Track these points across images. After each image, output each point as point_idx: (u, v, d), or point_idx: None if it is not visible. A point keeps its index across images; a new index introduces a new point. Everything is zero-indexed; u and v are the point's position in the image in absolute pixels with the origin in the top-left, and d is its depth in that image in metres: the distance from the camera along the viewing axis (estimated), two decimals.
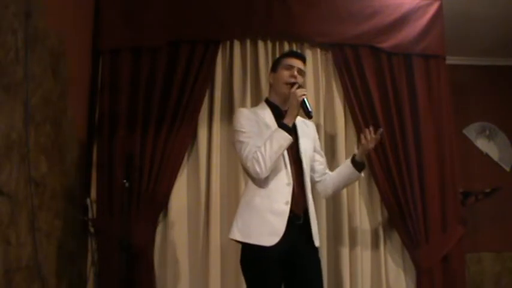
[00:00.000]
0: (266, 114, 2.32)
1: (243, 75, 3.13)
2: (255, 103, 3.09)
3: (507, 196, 4.22)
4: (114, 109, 2.95)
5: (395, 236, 3.07)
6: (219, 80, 3.10)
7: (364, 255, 3.03)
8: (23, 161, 2.05)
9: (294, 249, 2.16)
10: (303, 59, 2.41)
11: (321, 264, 2.28)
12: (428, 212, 3.03)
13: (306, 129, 2.43)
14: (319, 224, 2.45)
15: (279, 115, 2.30)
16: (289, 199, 2.16)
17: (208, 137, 3.04)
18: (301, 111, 2.24)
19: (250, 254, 2.18)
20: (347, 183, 2.50)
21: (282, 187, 2.18)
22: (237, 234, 2.20)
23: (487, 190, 3.99)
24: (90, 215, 2.86)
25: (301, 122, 2.42)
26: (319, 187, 2.48)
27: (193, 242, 2.94)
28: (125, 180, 2.61)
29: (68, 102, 2.62)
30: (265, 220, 2.14)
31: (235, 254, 2.89)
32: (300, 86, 2.26)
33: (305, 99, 2.19)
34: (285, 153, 2.23)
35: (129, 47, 3.04)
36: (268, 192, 2.18)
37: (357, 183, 3.08)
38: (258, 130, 2.25)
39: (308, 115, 2.21)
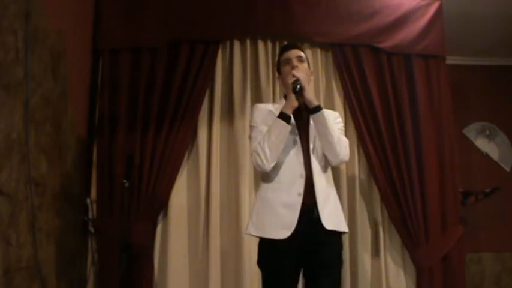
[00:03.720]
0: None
1: (243, 75, 3.13)
2: (255, 103, 3.09)
3: (507, 196, 4.23)
4: (114, 109, 2.95)
5: (396, 236, 3.07)
6: (219, 80, 3.10)
7: (364, 255, 3.03)
8: (23, 161, 2.05)
9: (310, 242, 2.12)
10: (296, 47, 2.39)
11: (339, 254, 2.20)
12: (428, 212, 3.03)
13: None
14: None
15: (295, 109, 2.27)
16: (302, 191, 2.13)
17: (208, 137, 3.04)
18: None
19: (265, 248, 2.18)
20: (321, 134, 2.21)
21: (294, 179, 2.16)
22: (252, 229, 2.20)
23: (487, 190, 3.99)
24: (90, 215, 2.86)
25: None
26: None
27: (193, 242, 2.94)
28: (124, 180, 2.61)
29: (68, 102, 2.62)
30: (277, 214, 2.13)
31: (235, 254, 2.90)
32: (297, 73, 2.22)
33: (297, 82, 2.16)
34: (298, 143, 2.21)
35: (129, 47, 3.04)
36: (280, 185, 2.17)
37: (357, 183, 3.09)
38: (269, 123, 2.23)
39: (294, 91, 2.16)
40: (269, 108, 2.33)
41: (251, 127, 2.31)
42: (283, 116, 2.15)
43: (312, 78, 2.41)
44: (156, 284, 2.85)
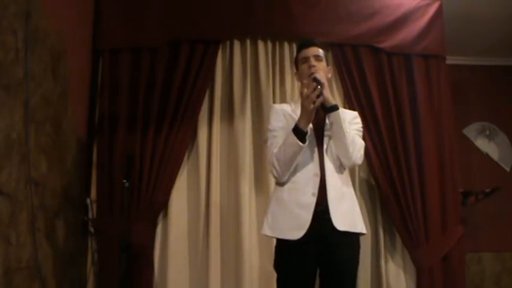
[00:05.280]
0: (299, 108, 2.26)
1: (243, 75, 3.13)
2: (255, 103, 3.11)
3: (507, 196, 4.22)
4: (114, 109, 2.95)
5: (396, 236, 3.07)
6: (219, 80, 3.10)
7: (365, 255, 3.02)
8: (23, 161, 2.05)
9: (324, 242, 2.10)
10: (315, 44, 2.33)
11: (354, 255, 2.18)
12: (428, 212, 3.03)
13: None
14: None
15: None
16: (316, 191, 2.12)
17: (208, 137, 3.04)
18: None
19: (280, 250, 2.19)
20: (336, 134, 2.20)
21: (309, 178, 2.15)
22: (267, 230, 2.20)
23: (487, 190, 3.99)
24: (90, 215, 2.86)
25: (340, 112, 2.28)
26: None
27: (193, 242, 2.94)
28: (124, 180, 2.61)
29: (68, 102, 2.62)
30: (291, 214, 2.13)
31: (235, 254, 2.90)
32: (314, 75, 2.17)
33: (316, 76, 2.13)
34: (313, 143, 2.20)
35: (129, 47, 3.04)
36: (295, 185, 2.17)
37: (357, 183, 3.08)
38: (285, 125, 2.24)
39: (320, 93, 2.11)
40: (286, 109, 2.31)
41: (267, 129, 2.32)
42: (299, 133, 2.10)
43: (330, 75, 2.38)
44: (156, 284, 2.85)
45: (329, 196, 2.13)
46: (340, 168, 2.23)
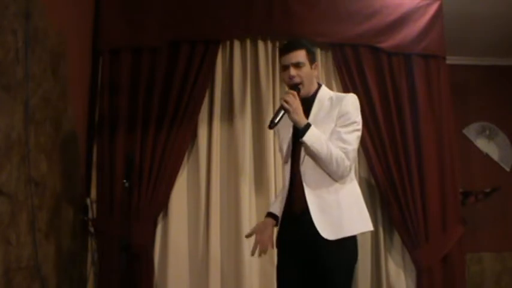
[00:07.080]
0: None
1: (243, 75, 3.13)
2: (255, 103, 3.11)
3: (507, 196, 4.23)
4: (114, 109, 2.96)
5: (396, 236, 3.07)
6: (219, 80, 3.10)
7: (364, 255, 3.02)
8: (23, 161, 2.05)
9: (306, 251, 2.07)
10: (295, 48, 2.12)
11: (340, 261, 2.05)
12: (428, 212, 3.03)
13: (327, 112, 2.11)
14: None
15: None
16: (283, 204, 2.17)
17: (208, 137, 3.04)
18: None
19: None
20: (311, 156, 2.07)
21: (285, 190, 2.19)
22: None
23: (487, 190, 4.00)
24: (90, 215, 2.86)
25: (327, 101, 2.14)
26: None
27: (193, 242, 2.94)
28: (124, 180, 2.61)
29: (68, 102, 2.63)
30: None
31: (235, 254, 2.90)
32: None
33: (282, 104, 2.03)
34: (289, 157, 2.16)
35: (129, 47, 3.04)
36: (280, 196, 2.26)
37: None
38: (280, 140, 2.29)
39: (271, 122, 2.03)
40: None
41: None
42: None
43: (316, 73, 2.22)
44: (156, 284, 2.85)
45: (310, 206, 2.05)
46: (325, 176, 2.08)
